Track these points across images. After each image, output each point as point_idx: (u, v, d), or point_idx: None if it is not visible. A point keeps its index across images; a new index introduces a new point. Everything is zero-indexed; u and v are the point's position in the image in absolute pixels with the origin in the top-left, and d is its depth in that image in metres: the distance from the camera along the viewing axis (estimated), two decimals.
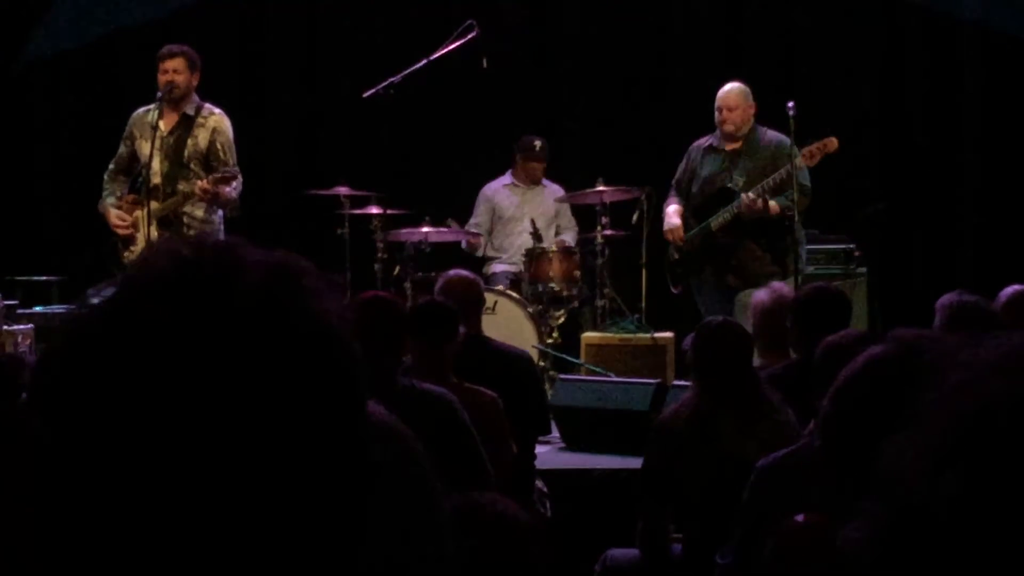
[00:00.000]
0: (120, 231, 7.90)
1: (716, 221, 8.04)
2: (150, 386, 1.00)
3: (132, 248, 7.88)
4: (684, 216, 8.25)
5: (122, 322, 1.03)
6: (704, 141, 8.30)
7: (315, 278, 1.08)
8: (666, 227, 8.28)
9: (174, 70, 7.83)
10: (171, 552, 0.99)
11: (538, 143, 9.61)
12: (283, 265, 1.07)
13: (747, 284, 7.83)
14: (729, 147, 8.15)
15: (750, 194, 7.84)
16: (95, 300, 1.07)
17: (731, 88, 8.20)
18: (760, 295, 5.99)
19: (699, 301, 8.23)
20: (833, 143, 7.89)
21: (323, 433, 1.03)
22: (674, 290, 8.42)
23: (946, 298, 5.33)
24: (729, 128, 8.10)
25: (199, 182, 7.67)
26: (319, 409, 1.03)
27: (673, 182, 8.42)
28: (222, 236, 7.50)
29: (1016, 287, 5.77)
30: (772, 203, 7.86)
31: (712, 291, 8.16)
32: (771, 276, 7.79)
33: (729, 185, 8.02)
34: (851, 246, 9.03)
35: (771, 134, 8.11)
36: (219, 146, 7.87)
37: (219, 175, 7.68)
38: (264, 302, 1.04)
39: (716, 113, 8.16)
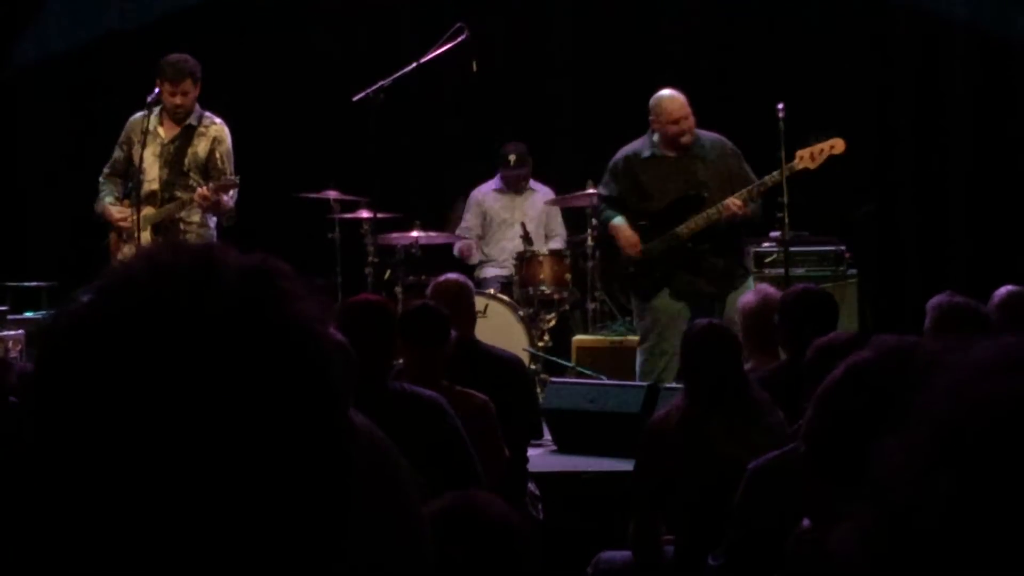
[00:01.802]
0: (123, 224, 7.82)
1: (686, 228, 7.61)
2: (124, 389, 1.00)
3: (124, 252, 7.83)
4: (633, 228, 7.75)
5: (97, 325, 1.03)
6: (640, 151, 7.83)
7: (292, 280, 1.08)
8: (624, 242, 7.71)
9: (183, 93, 7.76)
10: (155, 550, 0.99)
11: (512, 156, 9.52)
12: (259, 267, 1.07)
13: (721, 289, 7.62)
14: (675, 154, 7.72)
15: (736, 200, 7.46)
16: (70, 304, 1.07)
17: (676, 96, 7.73)
18: (747, 298, 5.99)
19: (651, 310, 7.71)
20: (840, 144, 7.52)
21: (299, 432, 1.03)
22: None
23: (936, 299, 5.33)
24: (688, 139, 7.67)
25: (200, 189, 7.63)
26: (294, 409, 1.03)
27: (606, 196, 7.91)
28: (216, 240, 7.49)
29: (1009, 288, 5.77)
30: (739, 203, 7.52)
31: (676, 301, 7.65)
32: (743, 278, 7.75)
33: (695, 192, 7.62)
34: (842, 248, 9.01)
35: (704, 132, 7.77)
36: (218, 156, 7.85)
37: (220, 183, 7.66)
38: (239, 304, 1.04)
39: (671, 125, 7.64)
